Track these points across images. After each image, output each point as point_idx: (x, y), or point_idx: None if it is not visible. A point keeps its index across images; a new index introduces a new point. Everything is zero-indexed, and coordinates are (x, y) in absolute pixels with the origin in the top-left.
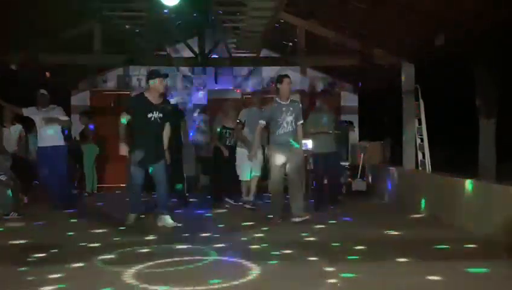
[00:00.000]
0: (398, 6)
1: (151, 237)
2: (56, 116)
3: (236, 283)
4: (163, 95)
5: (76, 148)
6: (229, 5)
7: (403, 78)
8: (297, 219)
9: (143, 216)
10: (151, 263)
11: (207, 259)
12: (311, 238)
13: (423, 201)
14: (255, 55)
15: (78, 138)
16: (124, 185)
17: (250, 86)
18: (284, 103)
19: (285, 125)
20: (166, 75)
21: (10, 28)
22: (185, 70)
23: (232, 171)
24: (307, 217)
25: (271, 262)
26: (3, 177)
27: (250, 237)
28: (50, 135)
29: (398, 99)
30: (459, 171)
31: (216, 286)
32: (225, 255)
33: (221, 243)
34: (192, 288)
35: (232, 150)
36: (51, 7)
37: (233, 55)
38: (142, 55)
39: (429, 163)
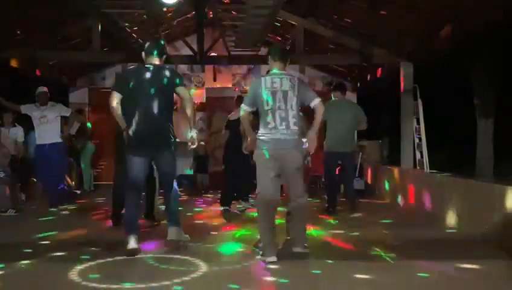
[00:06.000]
0: (397, 6)
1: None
2: (60, 115)
3: None
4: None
5: (72, 146)
6: (228, 3)
7: (401, 77)
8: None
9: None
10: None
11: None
12: None
13: (423, 201)
14: (254, 53)
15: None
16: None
17: (248, 84)
18: None
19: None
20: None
21: (9, 25)
22: (184, 68)
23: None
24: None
25: None
26: (1, 174)
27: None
28: (48, 133)
29: (396, 99)
30: (457, 170)
31: None
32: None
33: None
34: None
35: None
36: (50, 4)
37: (232, 53)
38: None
39: (427, 162)
